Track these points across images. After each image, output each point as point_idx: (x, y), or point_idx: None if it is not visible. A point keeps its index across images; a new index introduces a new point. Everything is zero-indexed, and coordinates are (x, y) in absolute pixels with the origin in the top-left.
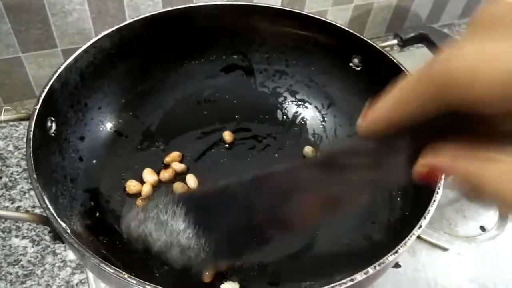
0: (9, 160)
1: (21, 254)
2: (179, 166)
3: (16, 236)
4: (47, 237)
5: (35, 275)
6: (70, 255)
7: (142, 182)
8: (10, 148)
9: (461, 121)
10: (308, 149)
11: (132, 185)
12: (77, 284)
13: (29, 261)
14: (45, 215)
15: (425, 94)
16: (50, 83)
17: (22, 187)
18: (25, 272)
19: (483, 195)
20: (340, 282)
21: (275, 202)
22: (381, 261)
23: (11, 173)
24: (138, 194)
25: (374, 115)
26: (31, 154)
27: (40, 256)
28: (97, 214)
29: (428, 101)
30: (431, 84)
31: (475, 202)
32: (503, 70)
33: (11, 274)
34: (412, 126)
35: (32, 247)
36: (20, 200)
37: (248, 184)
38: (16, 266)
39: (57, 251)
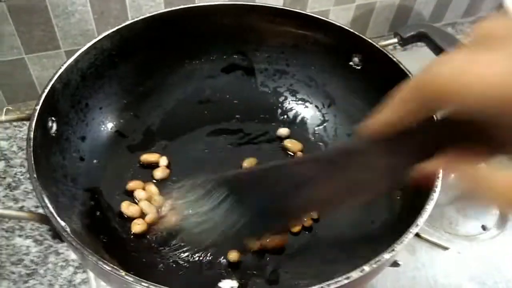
0: (13, 161)
1: (24, 254)
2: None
3: (20, 236)
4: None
5: (38, 275)
6: (73, 255)
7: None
8: (14, 148)
9: (462, 130)
10: (282, 131)
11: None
12: (79, 283)
13: (32, 261)
14: (45, 213)
15: (418, 100)
16: (51, 84)
17: (26, 187)
18: (28, 272)
19: (482, 197)
20: (335, 280)
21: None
22: (377, 259)
23: (15, 174)
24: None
25: (378, 117)
26: (32, 154)
27: (43, 256)
28: (98, 213)
29: (420, 107)
30: (422, 91)
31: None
32: (488, 77)
33: (14, 273)
34: (413, 131)
35: (35, 246)
36: (24, 200)
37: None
38: (19, 266)
39: (60, 250)
